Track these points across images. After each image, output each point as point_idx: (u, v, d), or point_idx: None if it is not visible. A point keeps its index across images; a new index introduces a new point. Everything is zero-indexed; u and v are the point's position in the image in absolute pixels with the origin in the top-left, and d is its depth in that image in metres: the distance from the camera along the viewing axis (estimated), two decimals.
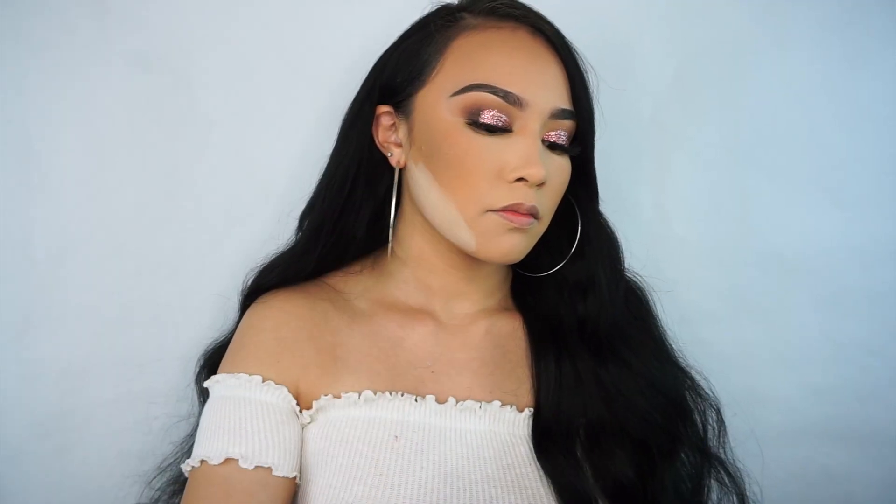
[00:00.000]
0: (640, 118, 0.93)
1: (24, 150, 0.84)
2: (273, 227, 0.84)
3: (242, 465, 0.65)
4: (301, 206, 0.80)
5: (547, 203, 0.69)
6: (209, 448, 0.66)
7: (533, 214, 0.67)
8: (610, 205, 0.79)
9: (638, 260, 0.82)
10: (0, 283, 0.84)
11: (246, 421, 0.67)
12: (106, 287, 0.87)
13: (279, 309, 0.74)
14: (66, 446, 0.87)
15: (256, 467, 0.65)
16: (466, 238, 0.68)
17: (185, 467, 0.68)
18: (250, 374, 0.70)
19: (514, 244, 0.68)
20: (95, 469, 0.87)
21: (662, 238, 0.94)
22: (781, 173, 0.94)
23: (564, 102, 0.69)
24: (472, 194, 0.66)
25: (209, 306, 0.87)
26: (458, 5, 0.74)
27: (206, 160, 0.89)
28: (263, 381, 0.69)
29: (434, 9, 0.74)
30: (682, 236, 0.95)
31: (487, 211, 0.67)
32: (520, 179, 0.66)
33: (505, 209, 0.66)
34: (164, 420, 0.87)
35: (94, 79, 0.85)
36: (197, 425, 0.82)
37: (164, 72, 0.87)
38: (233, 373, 0.71)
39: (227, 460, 0.65)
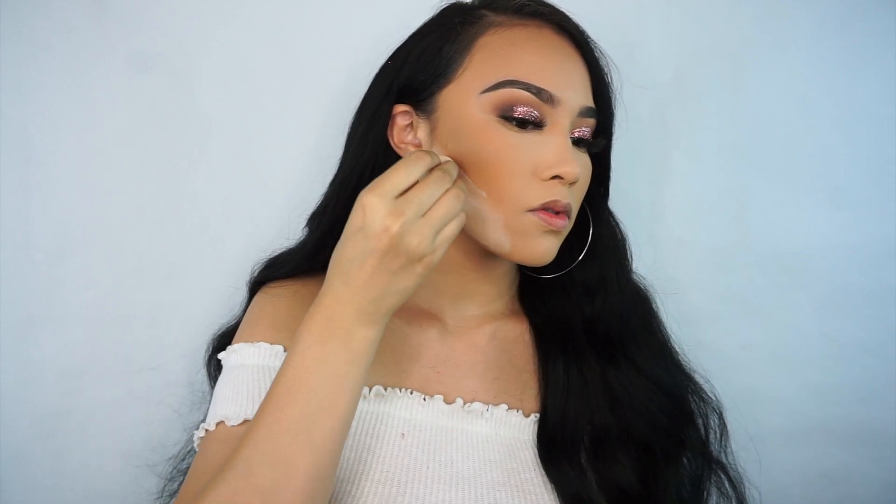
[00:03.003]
0: (640, 118, 0.93)
1: (24, 150, 0.84)
2: (273, 226, 0.84)
3: None
4: (301, 206, 0.80)
5: (576, 201, 0.69)
6: (228, 410, 0.66)
7: (567, 213, 0.67)
8: (610, 205, 0.79)
9: (642, 261, 0.82)
10: (0, 283, 0.84)
11: (266, 388, 0.66)
12: (106, 287, 0.87)
13: (293, 291, 0.74)
14: (66, 447, 0.87)
15: None
16: (500, 239, 0.67)
17: (199, 433, 0.68)
18: (271, 343, 0.70)
19: (549, 246, 0.67)
20: (95, 469, 0.88)
21: (661, 238, 0.94)
22: (781, 173, 0.94)
23: (590, 101, 0.69)
24: (509, 193, 0.66)
25: (209, 306, 0.87)
26: (475, 3, 0.73)
27: (206, 160, 0.89)
28: (285, 351, 0.69)
29: (446, 6, 0.74)
30: (680, 236, 0.95)
31: (526, 211, 0.66)
32: (554, 177, 0.66)
33: (542, 207, 0.66)
34: (165, 420, 0.88)
35: (94, 79, 0.85)
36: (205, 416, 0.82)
37: (164, 72, 0.87)
38: (251, 342, 0.71)
39: (246, 422, 0.65)
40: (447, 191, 0.59)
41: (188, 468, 0.82)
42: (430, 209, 0.58)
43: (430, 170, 0.60)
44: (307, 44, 0.89)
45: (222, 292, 0.86)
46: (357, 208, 0.58)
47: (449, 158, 0.65)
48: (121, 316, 0.87)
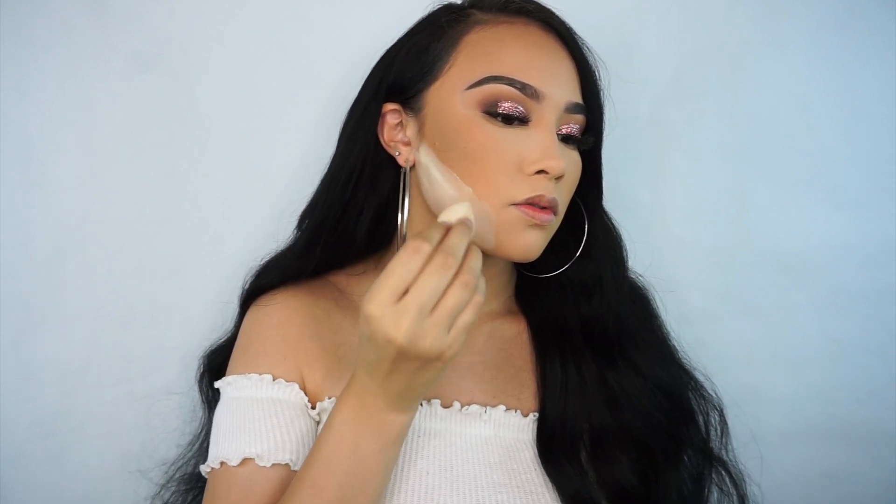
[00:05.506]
0: (639, 118, 0.93)
1: (23, 150, 0.84)
2: (273, 226, 0.84)
3: (260, 463, 0.65)
4: (301, 206, 0.80)
5: (563, 197, 0.69)
6: (227, 449, 0.67)
7: (552, 208, 0.67)
8: (608, 205, 0.79)
9: (641, 261, 0.82)
10: (0, 283, 0.84)
11: (260, 420, 0.67)
12: (106, 287, 0.87)
13: (283, 306, 0.74)
14: (66, 447, 0.87)
15: (274, 465, 0.66)
16: (485, 235, 0.67)
17: (205, 468, 0.68)
18: (260, 374, 0.70)
19: (534, 241, 0.67)
20: (95, 469, 0.88)
21: (661, 238, 0.94)
22: (780, 173, 0.94)
23: (577, 97, 0.69)
24: (492, 188, 0.65)
25: (209, 306, 0.87)
26: (464, 2, 0.74)
27: (206, 160, 0.89)
28: (274, 380, 0.70)
29: (438, 6, 0.74)
30: (680, 236, 0.95)
31: (509, 205, 0.65)
32: (539, 172, 0.66)
33: (526, 202, 0.65)
34: (165, 420, 0.87)
35: (94, 79, 0.85)
36: (202, 425, 0.82)
37: (164, 72, 0.87)
38: (243, 373, 0.71)
39: (245, 460, 0.66)
40: (455, 277, 0.54)
41: (180, 477, 0.82)
42: (436, 305, 0.53)
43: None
44: (307, 44, 0.89)
45: (222, 292, 0.86)
46: (361, 318, 0.54)
47: (464, 212, 0.58)
48: (121, 316, 0.87)
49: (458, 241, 0.55)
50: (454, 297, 0.54)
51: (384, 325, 0.53)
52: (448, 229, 0.56)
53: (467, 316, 0.55)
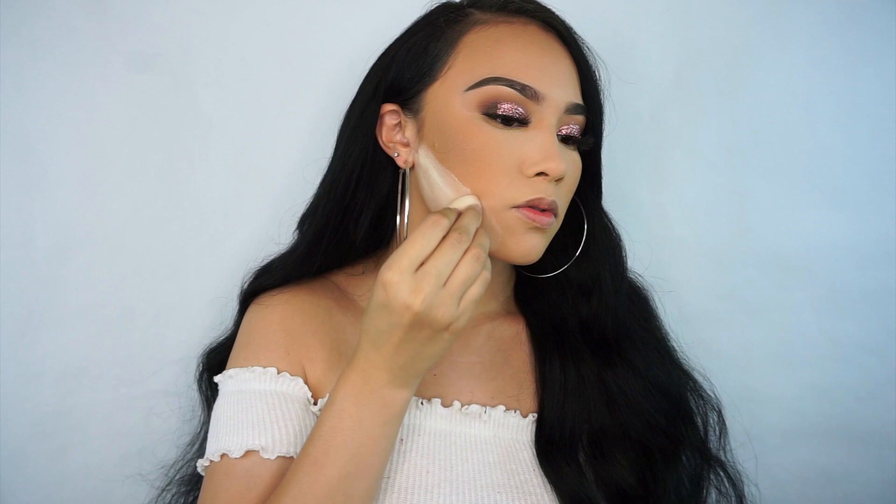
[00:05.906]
0: (640, 118, 0.93)
1: (24, 150, 0.85)
2: (273, 227, 0.84)
3: (264, 456, 0.65)
4: (300, 207, 0.80)
5: (563, 199, 0.69)
6: (229, 442, 0.66)
7: (553, 210, 0.66)
8: (609, 205, 0.79)
9: (640, 261, 0.82)
10: (0, 283, 0.84)
11: (265, 413, 0.67)
12: (106, 287, 0.87)
13: (285, 303, 0.74)
14: (66, 446, 0.87)
15: (279, 457, 0.65)
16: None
17: (204, 462, 0.68)
18: (265, 367, 0.70)
19: (534, 244, 0.67)
20: (95, 469, 0.88)
21: (661, 238, 0.94)
22: (780, 173, 0.94)
23: (577, 97, 0.69)
24: (493, 190, 0.65)
25: (209, 306, 0.87)
26: (463, 2, 0.73)
27: (206, 160, 0.89)
28: (279, 373, 0.70)
29: (436, 6, 0.74)
30: (680, 236, 0.95)
31: (510, 208, 0.65)
32: (540, 174, 0.65)
33: (527, 205, 0.65)
34: (165, 420, 0.88)
35: (94, 79, 0.85)
36: (201, 424, 0.82)
37: (164, 72, 0.87)
38: (246, 366, 0.70)
39: (249, 453, 0.65)
40: (466, 251, 0.59)
41: (180, 479, 0.82)
42: (450, 276, 0.58)
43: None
44: (307, 44, 0.89)
45: (222, 293, 0.86)
46: (378, 286, 0.58)
47: (472, 201, 0.65)
48: (121, 316, 0.87)
49: (470, 222, 0.61)
50: (466, 269, 0.58)
51: (402, 291, 0.57)
52: (460, 213, 0.62)
53: (476, 289, 0.59)
